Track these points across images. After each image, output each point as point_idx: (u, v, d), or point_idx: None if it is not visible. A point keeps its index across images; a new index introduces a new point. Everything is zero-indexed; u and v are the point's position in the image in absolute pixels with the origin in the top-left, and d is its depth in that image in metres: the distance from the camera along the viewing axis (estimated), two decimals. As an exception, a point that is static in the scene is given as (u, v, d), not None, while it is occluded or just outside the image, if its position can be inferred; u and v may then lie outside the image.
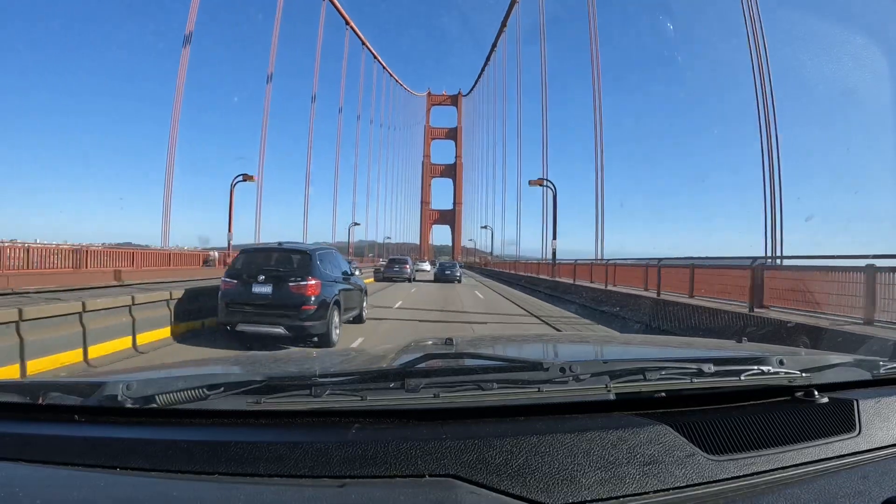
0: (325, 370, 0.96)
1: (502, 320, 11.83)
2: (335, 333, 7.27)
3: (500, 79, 63.72)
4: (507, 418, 0.86)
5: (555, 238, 24.23)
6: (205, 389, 0.85)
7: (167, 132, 28.84)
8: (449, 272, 25.95)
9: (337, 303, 7.38)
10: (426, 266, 39.78)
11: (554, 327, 10.39)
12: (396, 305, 13.67)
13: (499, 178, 68.27)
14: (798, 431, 0.90)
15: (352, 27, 55.86)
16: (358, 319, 9.11)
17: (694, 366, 0.98)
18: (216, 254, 22.66)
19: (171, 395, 0.85)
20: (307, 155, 46.21)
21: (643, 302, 10.90)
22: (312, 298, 6.86)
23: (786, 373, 1.01)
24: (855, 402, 0.98)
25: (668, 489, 0.75)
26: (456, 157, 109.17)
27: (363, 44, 61.97)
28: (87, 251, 14.26)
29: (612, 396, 0.90)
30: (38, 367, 5.09)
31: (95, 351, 5.87)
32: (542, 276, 24.24)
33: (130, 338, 6.53)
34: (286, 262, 7.24)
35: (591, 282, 16.46)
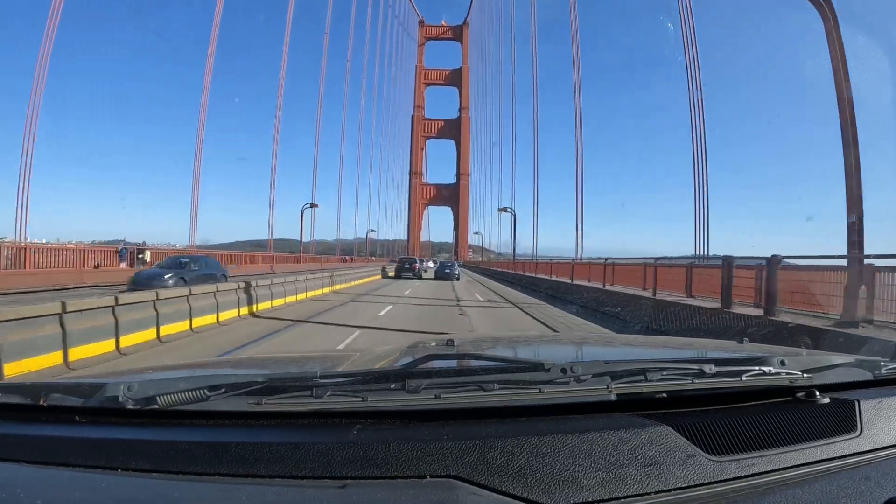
0: (326, 371, 0.96)
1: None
2: None
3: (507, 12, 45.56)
4: (509, 419, 0.86)
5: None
6: (206, 390, 0.86)
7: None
8: (448, 271, 30.63)
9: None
10: (431, 264, 44.48)
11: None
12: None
13: (514, 152, 52.71)
14: (799, 432, 0.90)
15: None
16: None
17: (695, 366, 0.98)
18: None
19: (173, 395, 0.85)
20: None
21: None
22: None
23: (787, 373, 1.01)
24: (856, 403, 0.98)
25: (669, 490, 0.75)
26: (460, 108, 78.17)
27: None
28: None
29: (613, 397, 0.90)
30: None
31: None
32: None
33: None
34: None
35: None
